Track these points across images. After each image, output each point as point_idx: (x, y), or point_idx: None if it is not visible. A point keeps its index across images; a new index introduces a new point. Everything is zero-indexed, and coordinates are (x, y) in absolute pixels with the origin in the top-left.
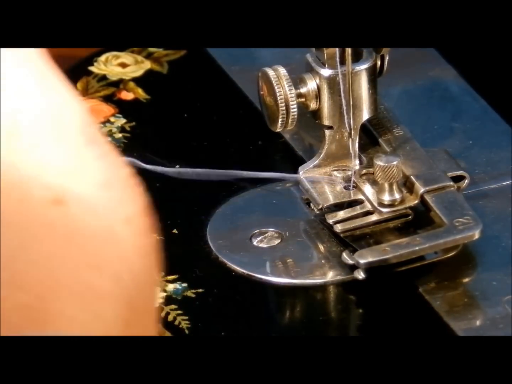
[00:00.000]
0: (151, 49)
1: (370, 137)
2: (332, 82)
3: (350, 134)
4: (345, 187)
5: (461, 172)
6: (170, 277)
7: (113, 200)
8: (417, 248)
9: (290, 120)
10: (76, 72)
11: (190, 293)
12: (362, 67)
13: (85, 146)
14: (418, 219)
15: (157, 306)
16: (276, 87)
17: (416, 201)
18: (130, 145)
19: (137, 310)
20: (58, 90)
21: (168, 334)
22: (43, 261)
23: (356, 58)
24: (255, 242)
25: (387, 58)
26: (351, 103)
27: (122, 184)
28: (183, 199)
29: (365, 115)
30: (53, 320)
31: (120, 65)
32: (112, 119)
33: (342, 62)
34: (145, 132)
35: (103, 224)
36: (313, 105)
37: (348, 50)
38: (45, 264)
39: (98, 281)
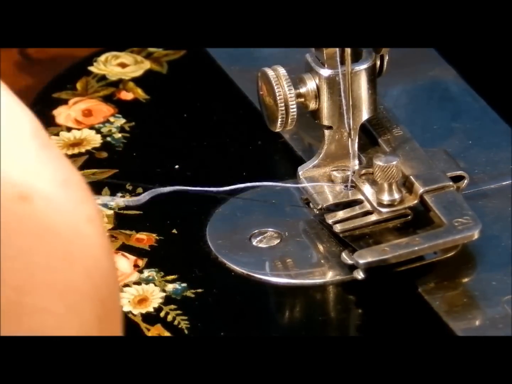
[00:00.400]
0: (151, 49)
1: (370, 137)
2: (331, 82)
3: (349, 134)
4: (344, 187)
5: (460, 172)
6: (170, 277)
7: (73, 199)
8: (416, 248)
9: (289, 120)
10: (76, 72)
11: (189, 293)
12: (362, 67)
13: (40, 149)
14: (417, 219)
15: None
16: (275, 87)
17: (416, 201)
18: (130, 145)
19: (107, 307)
20: (5, 97)
21: (167, 334)
22: (16, 255)
23: (356, 58)
24: (254, 242)
25: (387, 58)
26: (350, 103)
27: (79, 185)
28: (183, 199)
29: (365, 115)
30: (29, 313)
31: (120, 65)
32: (111, 119)
33: (342, 62)
34: (145, 132)
35: (68, 222)
36: (312, 105)
37: (348, 50)
38: (18, 258)
39: (70, 276)
